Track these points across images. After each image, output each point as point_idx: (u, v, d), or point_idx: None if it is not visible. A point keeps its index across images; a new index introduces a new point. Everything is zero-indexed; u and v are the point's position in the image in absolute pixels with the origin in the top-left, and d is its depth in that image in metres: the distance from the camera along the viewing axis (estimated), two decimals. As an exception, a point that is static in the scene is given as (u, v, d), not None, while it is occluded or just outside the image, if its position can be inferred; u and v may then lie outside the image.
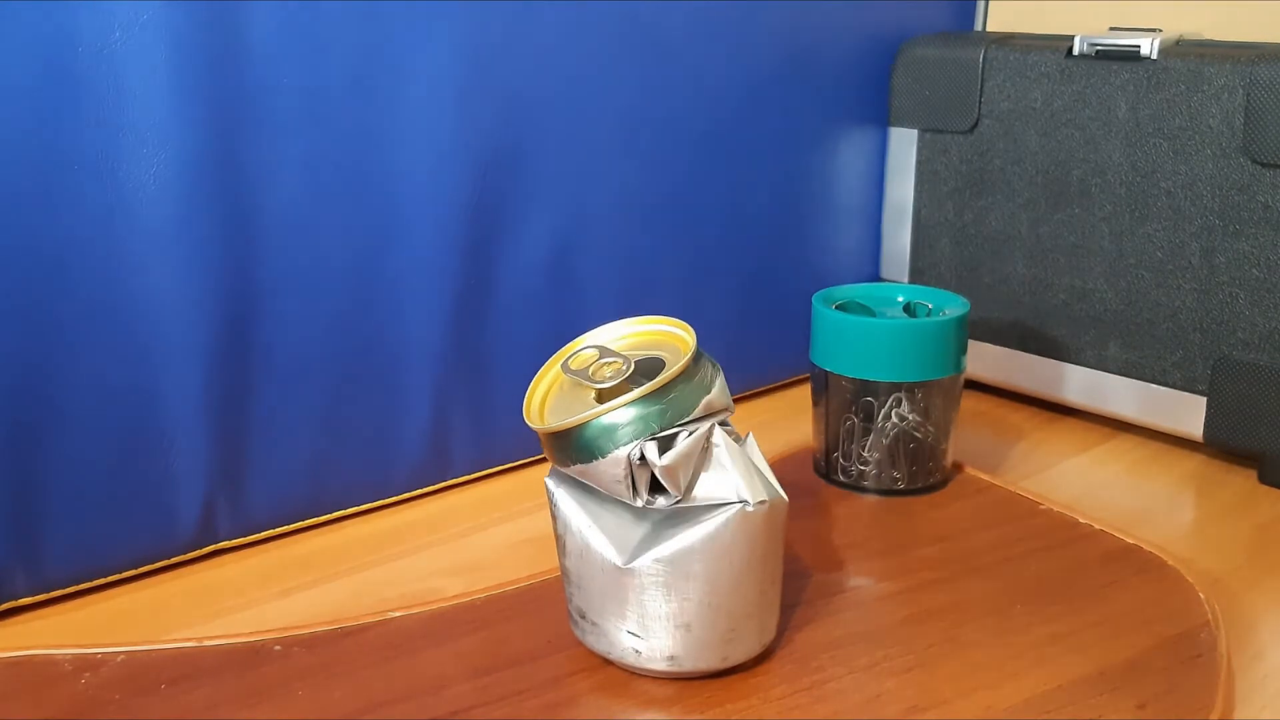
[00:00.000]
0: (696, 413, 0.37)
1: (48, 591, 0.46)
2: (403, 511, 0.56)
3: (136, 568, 0.48)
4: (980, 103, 0.67)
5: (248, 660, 0.41)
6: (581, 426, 0.37)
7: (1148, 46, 0.59)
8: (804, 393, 0.72)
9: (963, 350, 0.54)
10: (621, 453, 0.36)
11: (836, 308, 0.56)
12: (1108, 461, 0.62)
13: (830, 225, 0.71)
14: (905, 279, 0.73)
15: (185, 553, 0.50)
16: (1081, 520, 0.51)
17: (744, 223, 0.66)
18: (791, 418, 0.68)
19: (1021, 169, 0.65)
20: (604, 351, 0.40)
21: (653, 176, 0.61)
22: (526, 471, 0.60)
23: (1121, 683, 0.39)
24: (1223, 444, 0.59)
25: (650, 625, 0.38)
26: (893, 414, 0.53)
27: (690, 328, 0.40)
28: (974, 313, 0.69)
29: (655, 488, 0.38)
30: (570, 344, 0.42)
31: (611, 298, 0.61)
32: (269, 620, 0.46)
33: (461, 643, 0.42)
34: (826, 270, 0.72)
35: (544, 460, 0.61)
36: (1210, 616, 0.43)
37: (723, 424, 0.39)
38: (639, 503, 0.37)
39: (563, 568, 0.40)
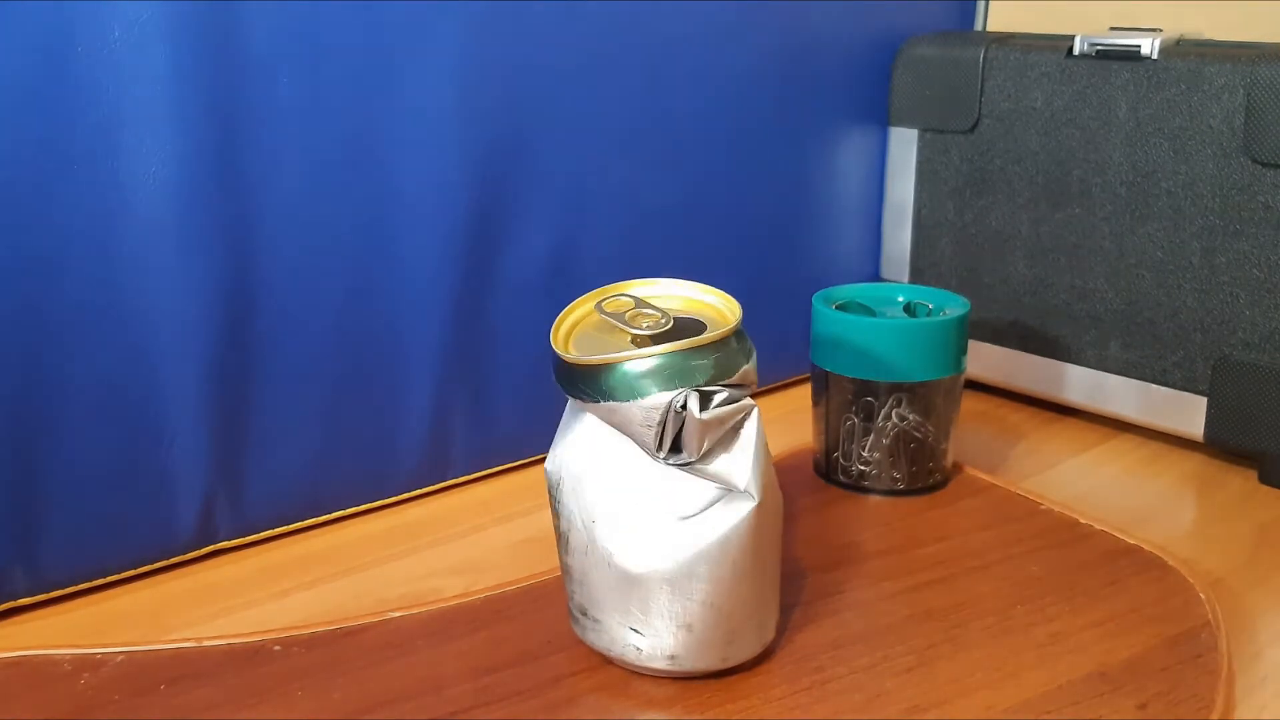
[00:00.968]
0: (735, 378, 0.37)
1: (48, 591, 0.46)
2: (403, 511, 0.56)
3: (136, 568, 0.48)
4: (980, 102, 0.67)
5: (247, 660, 0.41)
6: (623, 364, 0.36)
7: (1148, 46, 0.59)
8: (804, 393, 0.72)
9: (963, 350, 0.54)
10: (663, 398, 0.36)
11: (836, 308, 0.56)
12: (1108, 461, 0.62)
13: (830, 225, 0.71)
14: (905, 279, 0.73)
15: (185, 553, 0.49)
16: (1082, 520, 0.51)
17: (744, 223, 0.66)
18: (791, 418, 0.68)
19: (1022, 169, 0.65)
20: (640, 302, 0.40)
21: (652, 177, 0.61)
22: (526, 471, 0.60)
23: (1122, 683, 0.39)
24: (1223, 444, 0.59)
25: (653, 624, 0.38)
26: (893, 414, 0.53)
27: (732, 299, 0.40)
28: (974, 313, 0.69)
29: (673, 445, 0.37)
30: (603, 288, 0.41)
31: (611, 298, 0.61)
32: (269, 620, 0.46)
33: (461, 643, 0.42)
34: (826, 270, 0.72)
35: (544, 460, 0.61)
36: (1211, 616, 0.43)
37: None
38: (660, 455, 0.37)
39: (564, 564, 0.40)
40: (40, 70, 0.41)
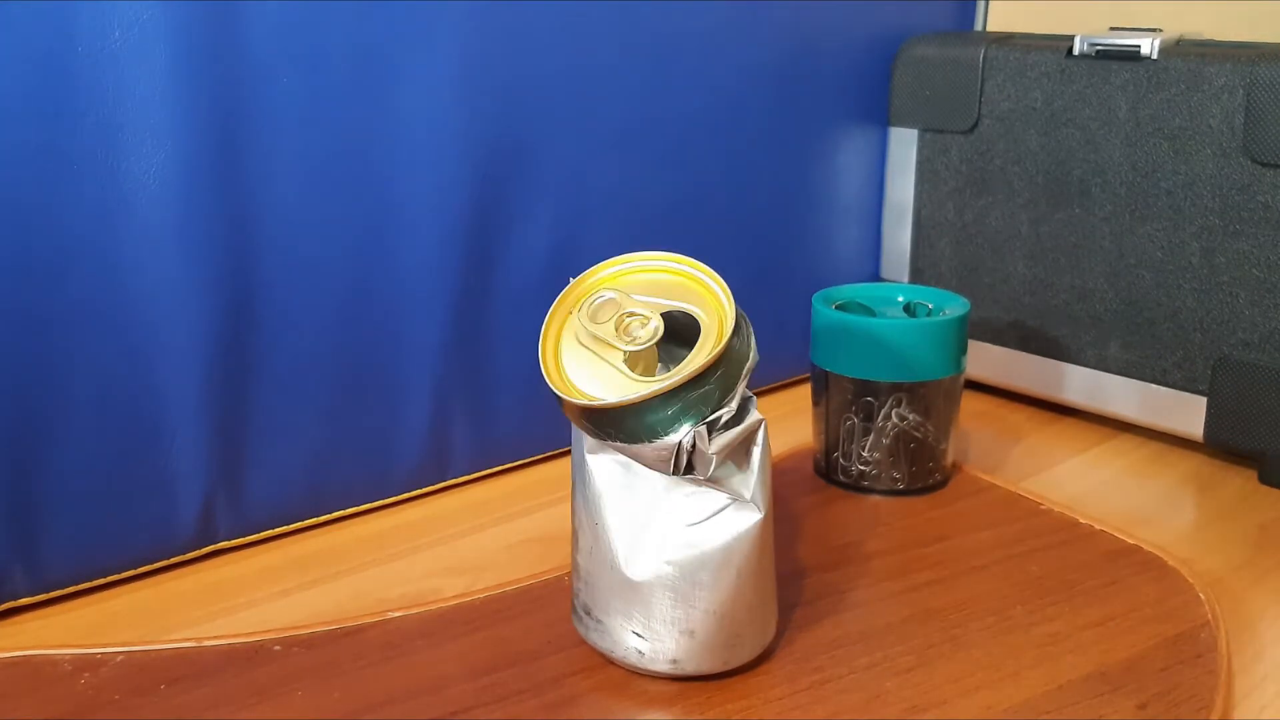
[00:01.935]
0: (741, 384, 0.36)
1: (48, 591, 0.46)
2: (403, 511, 0.56)
3: (136, 568, 0.48)
4: (980, 102, 0.67)
5: (247, 660, 0.41)
6: (631, 408, 0.35)
7: (1148, 46, 0.59)
8: (804, 393, 0.72)
9: (963, 350, 0.54)
10: (672, 440, 0.35)
11: (836, 308, 0.56)
12: (1108, 461, 0.62)
13: (830, 225, 0.71)
14: (905, 279, 0.73)
15: (185, 553, 0.49)
16: (1082, 520, 0.51)
17: (744, 222, 0.66)
18: (791, 418, 0.68)
19: (1022, 169, 0.65)
20: (623, 300, 0.38)
21: (652, 176, 0.61)
22: (526, 472, 0.60)
23: (1121, 683, 0.39)
24: (1223, 444, 0.59)
25: (656, 629, 0.38)
26: (893, 414, 0.53)
27: (718, 277, 0.37)
28: (974, 313, 0.69)
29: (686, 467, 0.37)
30: (575, 283, 0.39)
31: (611, 298, 0.61)
32: (269, 620, 0.46)
33: (461, 643, 0.42)
34: (826, 270, 0.72)
35: (544, 460, 0.61)
36: (1210, 616, 0.43)
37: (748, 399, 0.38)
38: (677, 475, 0.36)
39: (574, 562, 0.40)
40: (40, 71, 0.41)
